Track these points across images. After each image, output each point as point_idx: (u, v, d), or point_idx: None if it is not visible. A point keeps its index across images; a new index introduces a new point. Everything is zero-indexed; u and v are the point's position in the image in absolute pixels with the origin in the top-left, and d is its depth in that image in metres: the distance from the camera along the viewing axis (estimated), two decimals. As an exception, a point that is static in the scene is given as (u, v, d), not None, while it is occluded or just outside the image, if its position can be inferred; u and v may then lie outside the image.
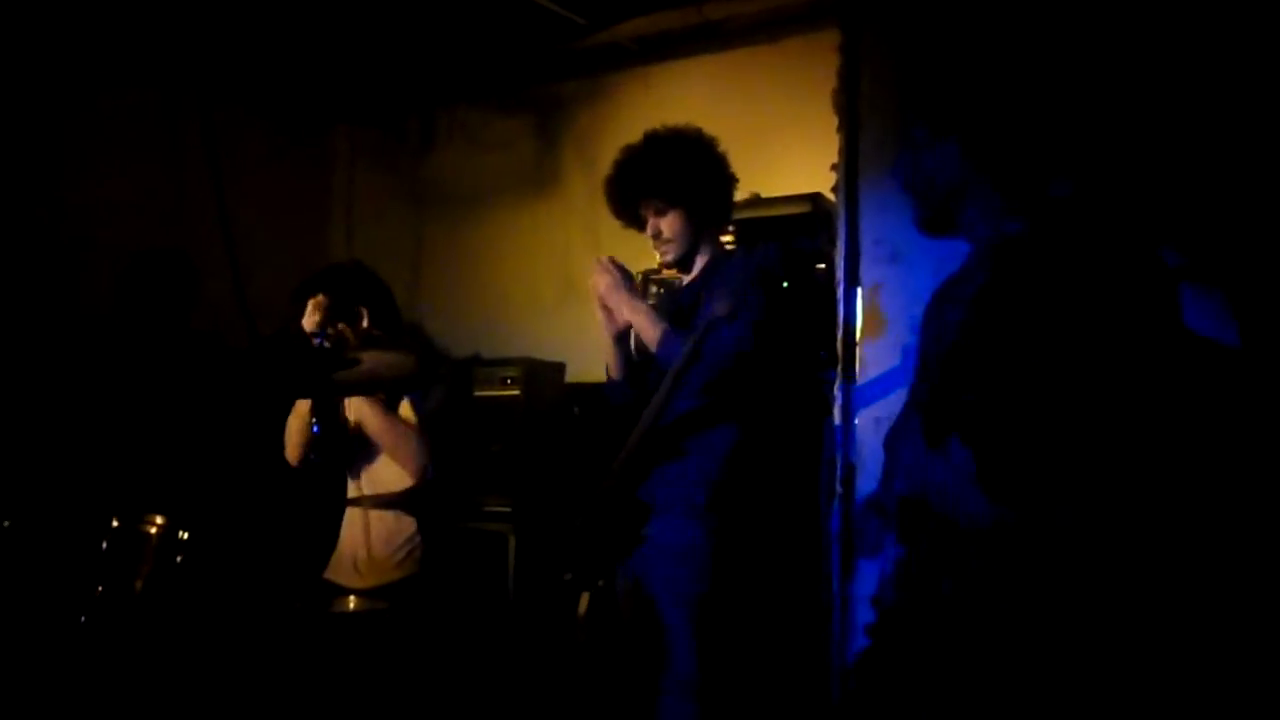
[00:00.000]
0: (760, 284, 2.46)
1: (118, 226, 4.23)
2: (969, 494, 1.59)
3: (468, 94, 5.06)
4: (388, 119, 5.39)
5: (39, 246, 4.06)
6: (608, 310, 2.58)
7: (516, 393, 4.03)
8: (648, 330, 2.51)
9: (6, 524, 2.50)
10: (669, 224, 2.60)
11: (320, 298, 2.82)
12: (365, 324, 2.94)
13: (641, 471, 2.44)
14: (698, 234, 2.63)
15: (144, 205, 4.40)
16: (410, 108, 5.27)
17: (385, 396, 2.86)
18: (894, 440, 1.86)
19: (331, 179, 5.55)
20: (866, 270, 2.92)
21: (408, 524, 2.88)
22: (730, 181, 2.69)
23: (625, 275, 2.59)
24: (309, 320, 2.79)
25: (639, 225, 2.68)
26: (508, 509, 3.79)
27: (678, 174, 2.58)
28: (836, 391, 2.88)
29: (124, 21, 4.20)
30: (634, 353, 2.67)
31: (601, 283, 2.57)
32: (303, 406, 2.84)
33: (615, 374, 2.66)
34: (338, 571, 2.94)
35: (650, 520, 2.40)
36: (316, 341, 2.55)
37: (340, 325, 2.82)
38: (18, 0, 3.91)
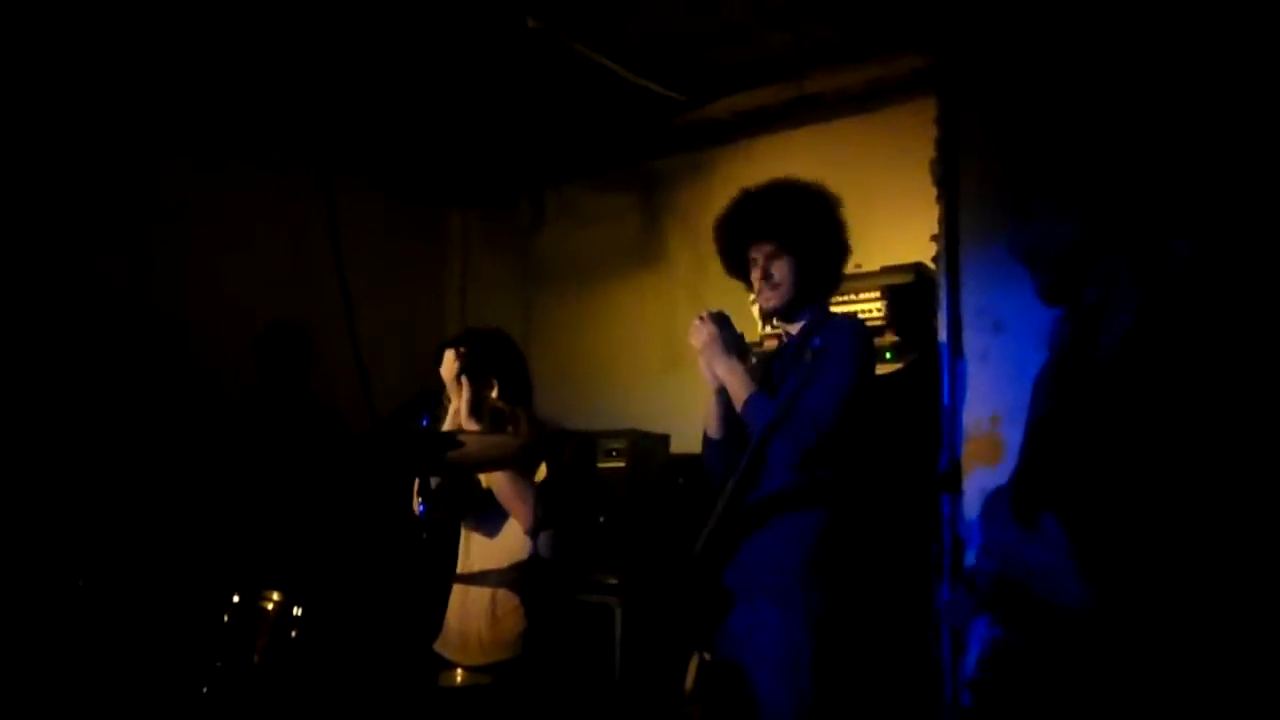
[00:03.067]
0: (844, 356, 2.40)
1: (242, 294, 4.42)
2: (1064, 575, 1.54)
3: (574, 172, 5.21)
4: (499, 197, 5.58)
5: (164, 312, 4.20)
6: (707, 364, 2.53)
7: (622, 464, 4.06)
8: (738, 392, 2.46)
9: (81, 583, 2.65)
10: (780, 268, 2.55)
11: (461, 349, 2.84)
12: (495, 394, 2.94)
13: (729, 548, 2.38)
14: (805, 289, 2.57)
15: (267, 275, 4.57)
16: (520, 186, 5.45)
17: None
18: (989, 516, 1.81)
19: (447, 255, 5.76)
20: (969, 340, 2.89)
21: (515, 602, 2.91)
22: (844, 248, 2.61)
23: (727, 330, 2.53)
24: (446, 369, 2.82)
25: (740, 270, 2.63)
26: (614, 581, 3.81)
27: (800, 222, 2.53)
28: (942, 465, 2.83)
29: (254, 99, 4.47)
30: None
31: (698, 336, 2.53)
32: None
33: (714, 433, 2.58)
34: (446, 645, 2.98)
35: (740, 603, 2.34)
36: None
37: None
38: (144, 72, 4.14)
